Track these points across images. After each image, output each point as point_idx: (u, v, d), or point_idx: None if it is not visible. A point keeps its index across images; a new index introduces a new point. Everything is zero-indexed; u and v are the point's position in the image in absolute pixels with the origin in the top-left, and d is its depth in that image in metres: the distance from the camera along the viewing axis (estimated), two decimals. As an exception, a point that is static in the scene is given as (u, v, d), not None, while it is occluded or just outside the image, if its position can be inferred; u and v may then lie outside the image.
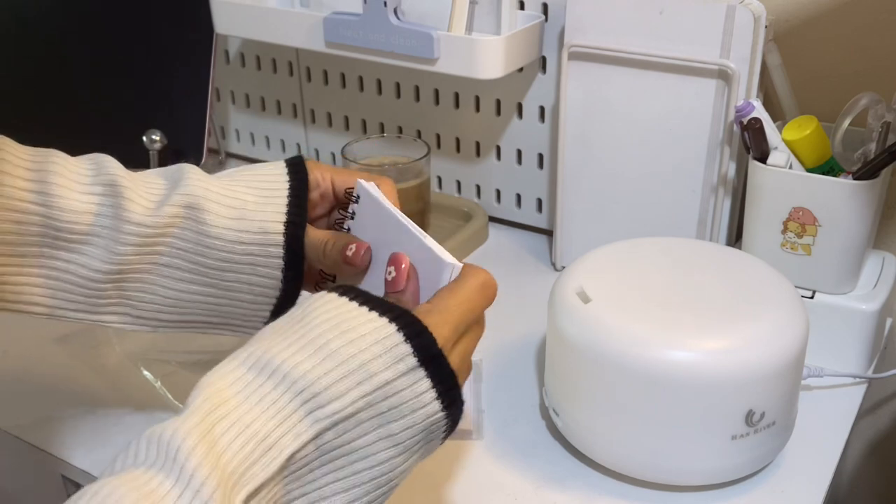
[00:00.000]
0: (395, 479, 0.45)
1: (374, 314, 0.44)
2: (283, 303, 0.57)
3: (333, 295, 0.45)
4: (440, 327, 0.45)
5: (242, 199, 0.55)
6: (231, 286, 0.56)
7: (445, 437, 0.47)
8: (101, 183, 0.54)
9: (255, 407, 0.41)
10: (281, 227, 0.55)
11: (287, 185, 0.57)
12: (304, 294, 0.58)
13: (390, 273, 0.50)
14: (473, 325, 0.48)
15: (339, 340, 0.43)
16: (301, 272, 0.57)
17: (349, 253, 0.54)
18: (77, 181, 0.54)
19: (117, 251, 0.53)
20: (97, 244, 0.54)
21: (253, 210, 0.55)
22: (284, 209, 0.55)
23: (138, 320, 0.57)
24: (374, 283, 0.52)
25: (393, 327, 0.44)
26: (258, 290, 0.56)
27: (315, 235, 0.56)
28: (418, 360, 0.43)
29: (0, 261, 0.53)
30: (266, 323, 0.54)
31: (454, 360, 0.45)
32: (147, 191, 0.55)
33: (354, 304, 0.45)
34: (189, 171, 0.56)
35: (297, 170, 0.57)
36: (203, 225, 0.54)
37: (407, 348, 0.43)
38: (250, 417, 0.40)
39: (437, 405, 0.44)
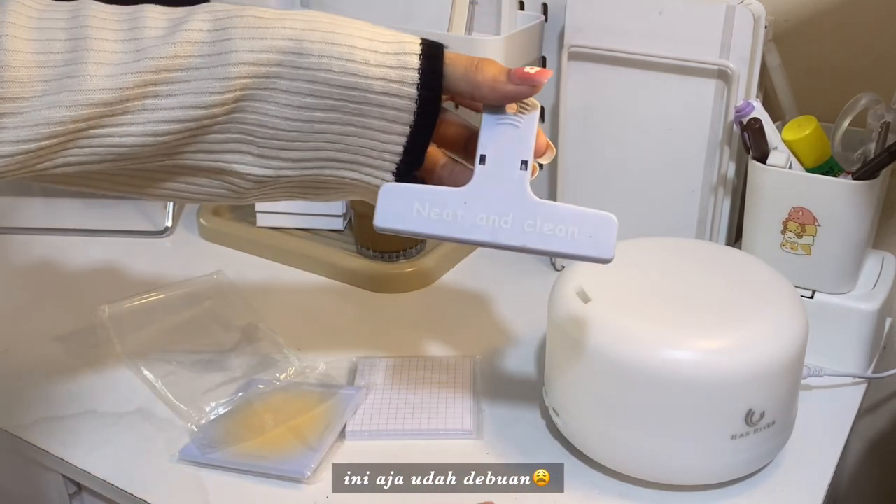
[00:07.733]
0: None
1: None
2: (418, 134, 0.52)
3: None
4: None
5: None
6: (359, 109, 0.51)
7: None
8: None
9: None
10: (418, 41, 0.51)
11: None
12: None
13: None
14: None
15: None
16: (438, 92, 0.51)
17: (528, 70, 0.51)
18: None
19: (230, 74, 0.49)
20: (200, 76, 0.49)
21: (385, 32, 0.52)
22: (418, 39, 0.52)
23: (260, 160, 0.52)
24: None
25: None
26: (391, 115, 0.51)
27: (459, 59, 0.52)
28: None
29: None
30: (399, 161, 0.53)
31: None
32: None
33: None
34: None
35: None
36: (332, 35, 0.50)
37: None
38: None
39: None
